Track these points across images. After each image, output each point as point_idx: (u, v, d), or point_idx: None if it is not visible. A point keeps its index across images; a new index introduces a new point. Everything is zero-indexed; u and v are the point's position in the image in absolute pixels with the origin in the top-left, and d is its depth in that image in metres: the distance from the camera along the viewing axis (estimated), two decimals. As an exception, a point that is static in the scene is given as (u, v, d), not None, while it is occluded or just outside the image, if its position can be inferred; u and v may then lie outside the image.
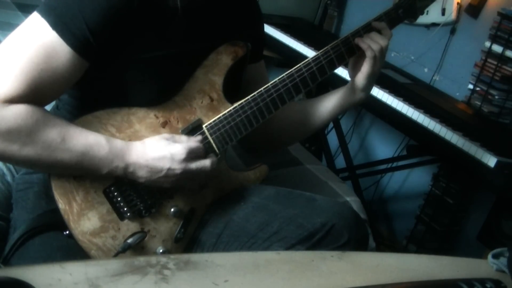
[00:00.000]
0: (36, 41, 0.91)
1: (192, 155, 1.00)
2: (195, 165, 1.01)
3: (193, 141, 1.03)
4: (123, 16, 0.94)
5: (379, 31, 1.16)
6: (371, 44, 1.13)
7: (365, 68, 1.15)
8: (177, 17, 1.01)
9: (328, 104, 1.24)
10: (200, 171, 1.02)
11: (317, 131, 1.31)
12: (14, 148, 0.89)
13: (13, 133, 0.89)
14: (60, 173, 0.97)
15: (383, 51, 1.14)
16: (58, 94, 1.01)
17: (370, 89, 1.20)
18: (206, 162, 1.03)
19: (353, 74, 1.19)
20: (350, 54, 1.16)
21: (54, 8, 0.91)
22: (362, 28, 1.17)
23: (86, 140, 0.94)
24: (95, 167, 0.96)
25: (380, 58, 1.15)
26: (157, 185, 1.01)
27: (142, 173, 0.98)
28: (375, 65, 1.15)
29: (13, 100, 0.89)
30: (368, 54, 1.13)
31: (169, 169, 0.98)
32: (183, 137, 1.03)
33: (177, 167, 0.99)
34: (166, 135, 1.02)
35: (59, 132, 0.92)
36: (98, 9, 0.92)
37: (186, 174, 1.00)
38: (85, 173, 0.98)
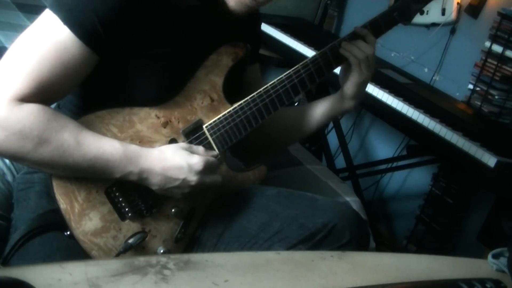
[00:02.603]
0: (47, 37, 0.91)
1: (208, 169, 1.00)
2: (209, 179, 1.01)
3: (210, 155, 1.03)
4: (133, 10, 0.94)
5: (363, 38, 1.15)
6: (354, 51, 1.12)
7: (352, 76, 1.14)
8: (183, 16, 1.02)
9: (316, 112, 1.24)
10: (212, 186, 1.02)
11: (316, 132, 1.32)
12: (27, 149, 0.89)
13: (26, 132, 0.88)
14: (72, 175, 0.96)
15: (368, 59, 1.12)
16: (69, 91, 1.00)
17: (360, 98, 1.18)
18: (218, 178, 1.03)
19: (342, 82, 1.18)
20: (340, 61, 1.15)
21: (64, 3, 0.92)
22: (349, 36, 1.15)
23: (100, 142, 0.94)
24: (108, 170, 0.95)
25: (367, 66, 1.13)
26: (168, 194, 1.01)
27: (156, 181, 0.98)
28: (362, 73, 1.13)
29: (24, 99, 0.89)
30: (352, 61, 1.12)
31: (184, 179, 0.98)
32: (200, 148, 1.03)
33: (193, 178, 0.98)
34: (183, 144, 1.02)
35: (72, 133, 0.92)
36: (108, 2, 0.92)
37: (199, 187, 1.00)
38: (97, 176, 0.97)
